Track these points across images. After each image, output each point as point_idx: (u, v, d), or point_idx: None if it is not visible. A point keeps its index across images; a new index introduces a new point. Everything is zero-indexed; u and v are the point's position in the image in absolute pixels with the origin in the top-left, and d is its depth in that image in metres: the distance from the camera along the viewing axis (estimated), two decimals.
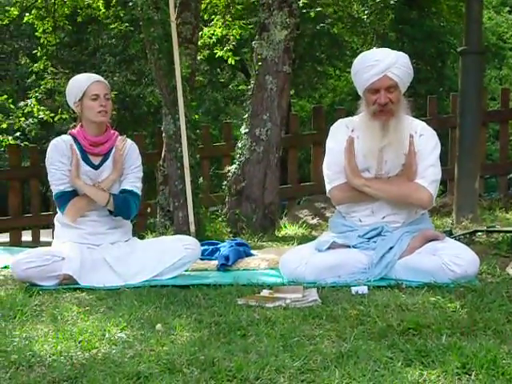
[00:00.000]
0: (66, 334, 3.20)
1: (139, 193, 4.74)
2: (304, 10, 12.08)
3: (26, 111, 12.05)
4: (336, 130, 4.51)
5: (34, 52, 12.18)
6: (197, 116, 7.21)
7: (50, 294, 4.12)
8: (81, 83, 4.68)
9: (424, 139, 4.37)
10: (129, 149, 4.75)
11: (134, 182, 4.72)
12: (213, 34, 10.55)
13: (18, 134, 12.56)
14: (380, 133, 4.30)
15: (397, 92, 4.31)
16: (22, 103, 12.52)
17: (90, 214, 4.64)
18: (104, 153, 4.69)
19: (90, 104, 4.64)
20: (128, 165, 4.72)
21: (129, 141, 4.79)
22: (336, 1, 14.97)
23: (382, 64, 4.26)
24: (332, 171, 4.43)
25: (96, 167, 4.67)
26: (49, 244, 4.86)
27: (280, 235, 6.92)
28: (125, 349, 3.00)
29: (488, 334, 3.07)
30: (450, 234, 5.37)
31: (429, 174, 4.30)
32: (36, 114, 11.96)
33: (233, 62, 10.94)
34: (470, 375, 2.57)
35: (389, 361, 2.72)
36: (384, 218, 4.37)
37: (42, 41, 11.32)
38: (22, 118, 12.22)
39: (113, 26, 12.20)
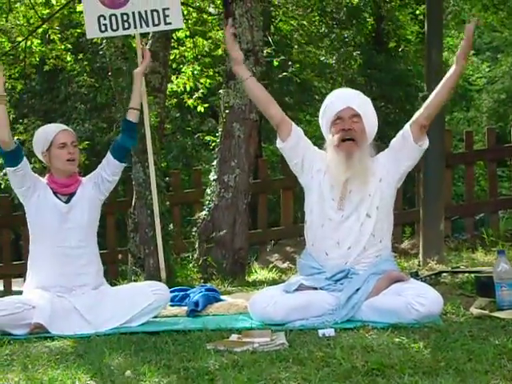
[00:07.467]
0: (36, 382, 3.24)
1: None
2: (268, 59, 12.24)
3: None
4: None
5: None
6: (164, 163, 7.28)
7: (20, 343, 4.14)
8: (47, 133, 4.78)
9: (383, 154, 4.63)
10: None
11: None
12: (184, 84, 10.65)
13: None
14: (345, 163, 4.46)
15: (360, 124, 4.53)
16: None
17: (62, 246, 4.66)
18: (71, 192, 4.77)
19: (57, 153, 4.72)
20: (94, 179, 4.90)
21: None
22: (304, 49, 15.15)
23: (345, 96, 4.66)
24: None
25: (65, 202, 4.73)
26: (21, 293, 4.89)
27: (250, 280, 6.97)
28: None
29: (449, 372, 3.14)
30: (416, 275, 5.45)
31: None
32: None
33: (202, 110, 11.05)
34: None
35: None
36: (349, 248, 4.46)
37: (6, 85, 11.24)
38: None
39: (80, 78, 12.27)
